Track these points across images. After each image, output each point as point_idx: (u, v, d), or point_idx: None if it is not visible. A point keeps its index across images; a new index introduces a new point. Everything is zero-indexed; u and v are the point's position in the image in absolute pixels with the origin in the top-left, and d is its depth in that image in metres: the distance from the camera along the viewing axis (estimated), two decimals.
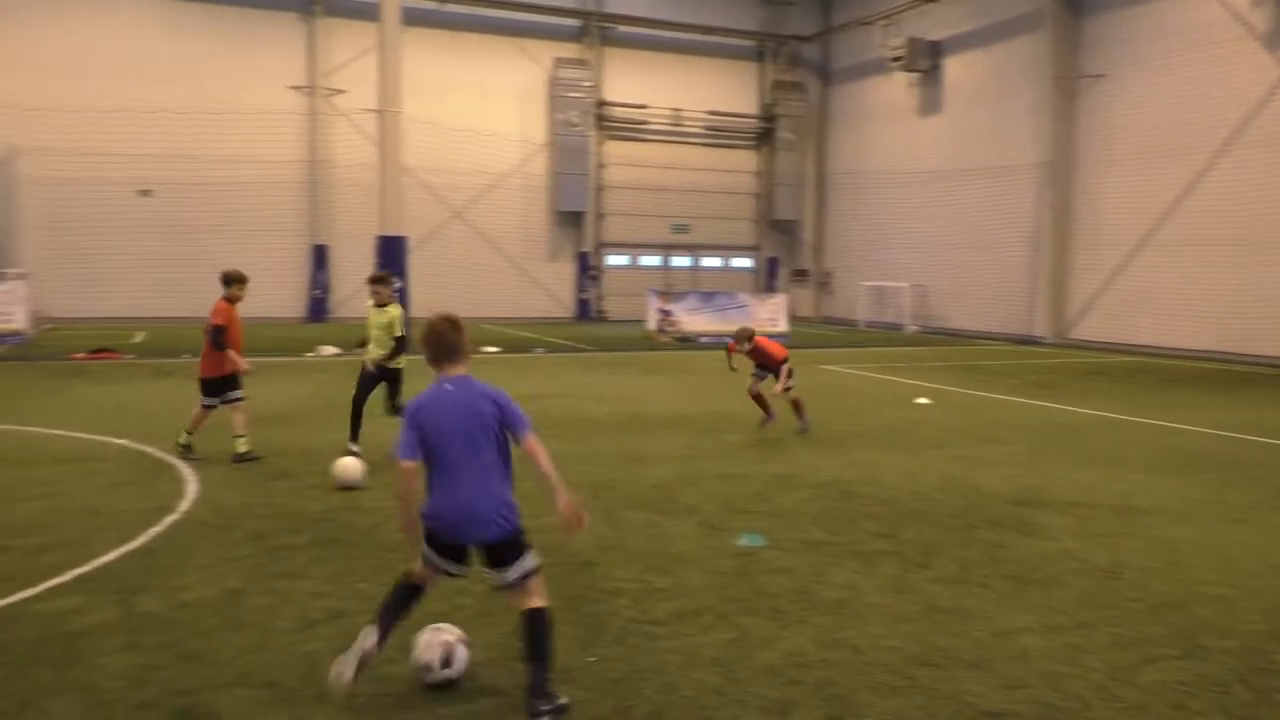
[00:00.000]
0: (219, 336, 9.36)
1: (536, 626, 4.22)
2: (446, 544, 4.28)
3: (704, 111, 36.07)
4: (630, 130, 35.32)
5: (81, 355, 18.65)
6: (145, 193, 28.86)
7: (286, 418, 10.10)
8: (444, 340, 4.35)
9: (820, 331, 31.16)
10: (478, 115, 31.87)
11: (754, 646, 4.99)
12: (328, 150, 31.02)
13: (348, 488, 8.25)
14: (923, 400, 14.73)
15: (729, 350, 11.96)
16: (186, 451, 9.47)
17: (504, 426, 4.26)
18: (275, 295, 27.64)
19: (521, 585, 4.25)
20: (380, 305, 9.76)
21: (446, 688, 4.37)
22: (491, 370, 18.28)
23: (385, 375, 9.75)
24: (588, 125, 34.13)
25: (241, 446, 9.34)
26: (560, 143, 33.86)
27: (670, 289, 29.42)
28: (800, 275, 38.22)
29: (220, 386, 9.56)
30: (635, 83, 34.92)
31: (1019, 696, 4.44)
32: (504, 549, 4.23)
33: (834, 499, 8.27)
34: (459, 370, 4.34)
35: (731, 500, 8.17)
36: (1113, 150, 25.97)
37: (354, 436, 9.64)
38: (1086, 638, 5.16)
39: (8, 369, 16.92)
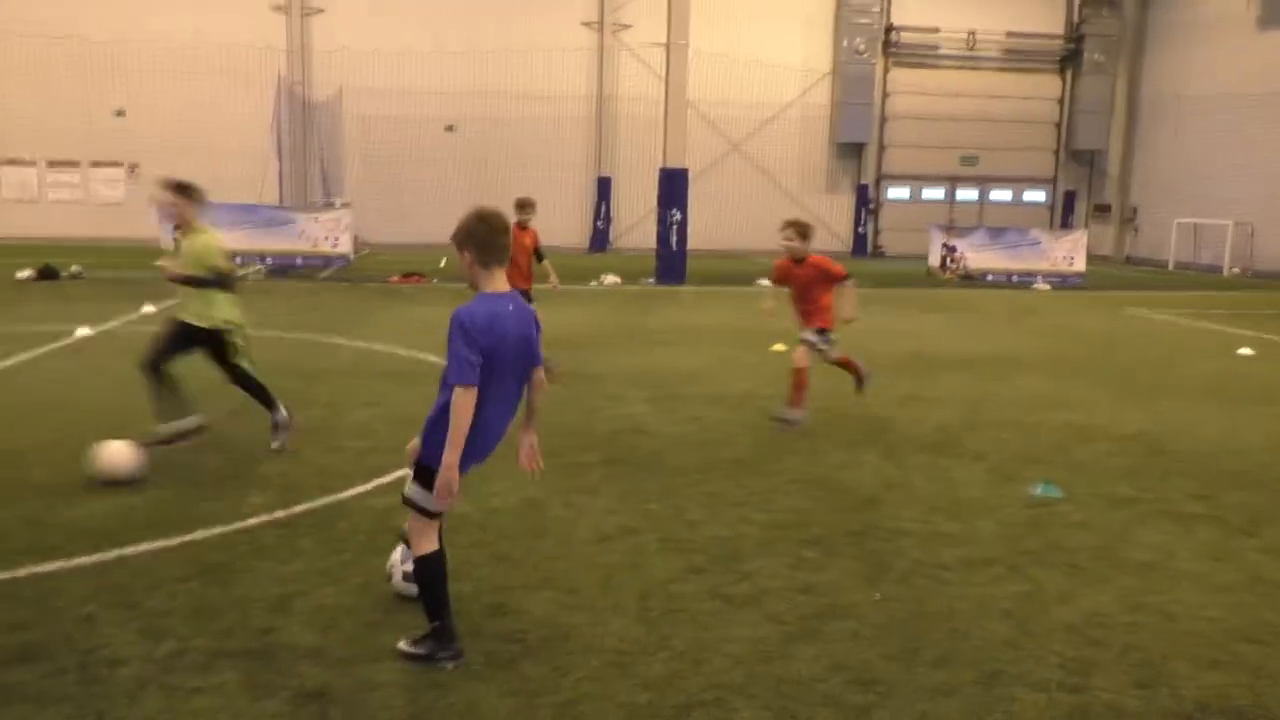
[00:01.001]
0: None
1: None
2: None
3: (1002, 33, 33.67)
4: (920, 56, 33.62)
5: (395, 278, 20.45)
6: (450, 128, 31.04)
7: (573, 342, 10.65)
8: (504, 238, 3.85)
9: (1123, 272, 28.67)
10: (762, 45, 31.42)
11: (1050, 601, 4.75)
12: (613, 85, 31.87)
13: (114, 482, 6.00)
14: (1247, 351, 13.24)
15: (774, 275, 8.32)
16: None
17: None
18: (562, 226, 28.95)
19: None
20: (182, 230, 6.63)
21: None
22: None
23: (197, 337, 6.69)
24: (874, 52, 32.83)
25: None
26: (844, 71, 32.82)
27: (955, 224, 28.00)
28: (1101, 211, 35.19)
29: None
30: (927, 4, 33.10)
31: None
32: None
33: (1140, 454, 7.65)
34: (504, 280, 3.88)
35: (1022, 448, 7.76)
36: None
37: (159, 410, 6.76)
38: None
39: (334, 289, 18.88)
